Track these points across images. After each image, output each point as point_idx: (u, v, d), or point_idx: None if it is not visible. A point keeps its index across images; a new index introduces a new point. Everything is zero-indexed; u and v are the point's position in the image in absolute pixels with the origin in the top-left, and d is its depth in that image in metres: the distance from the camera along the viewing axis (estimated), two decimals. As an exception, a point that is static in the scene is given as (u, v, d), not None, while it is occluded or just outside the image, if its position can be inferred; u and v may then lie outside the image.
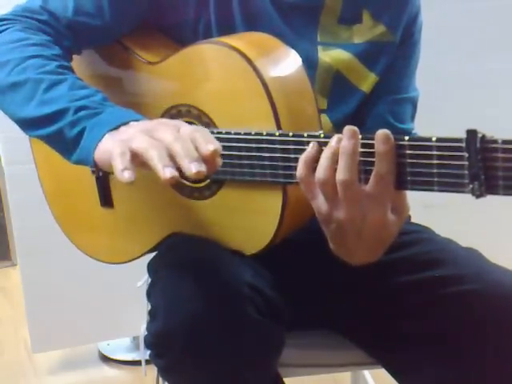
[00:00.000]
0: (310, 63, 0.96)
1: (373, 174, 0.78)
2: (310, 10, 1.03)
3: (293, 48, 0.96)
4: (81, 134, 0.85)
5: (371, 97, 1.07)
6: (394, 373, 0.99)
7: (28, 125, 0.93)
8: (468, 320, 0.91)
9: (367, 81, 1.05)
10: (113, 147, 0.78)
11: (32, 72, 0.91)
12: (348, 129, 0.78)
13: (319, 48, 1.03)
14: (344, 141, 0.78)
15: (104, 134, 0.82)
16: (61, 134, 0.87)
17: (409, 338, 0.95)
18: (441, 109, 1.79)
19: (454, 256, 0.98)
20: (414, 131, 1.12)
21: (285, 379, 1.01)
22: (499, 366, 0.90)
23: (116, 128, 0.82)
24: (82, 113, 0.86)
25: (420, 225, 1.09)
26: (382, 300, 0.98)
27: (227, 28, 1.01)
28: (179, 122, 0.81)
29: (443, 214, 1.75)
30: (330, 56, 1.03)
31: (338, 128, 1.03)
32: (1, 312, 2.37)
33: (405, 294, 0.97)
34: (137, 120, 0.84)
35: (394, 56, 1.07)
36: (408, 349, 0.96)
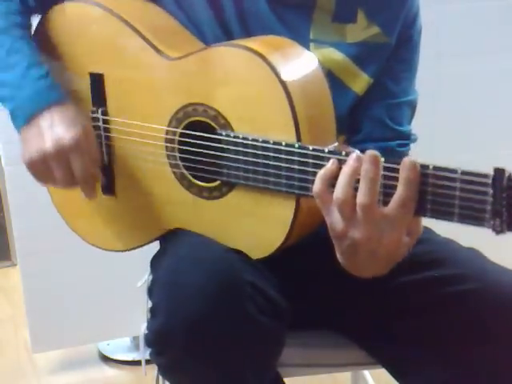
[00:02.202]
0: None
1: (394, 198, 0.78)
2: (303, 6, 1.03)
3: None
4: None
5: (368, 100, 1.07)
6: (394, 372, 1.00)
7: None
8: (468, 320, 0.91)
9: (360, 82, 1.05)
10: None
11: None
12: (370, 154, 0.78)
13: (311, 45, 1.03)
14: (366, 165, 0.78)
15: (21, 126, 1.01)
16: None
17: (409, 337, 0.96)
18: (440, 109, 1.79)
19: (455, 256, 0.98)
20: (412, 132, 1.12)
21: (285, 379, 1.01)
22: (499, 365, 0.90)
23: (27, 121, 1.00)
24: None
25: (420, 225, 1.09)
26: (383, 300, 0.98)
27: (220, 25, 1.01)
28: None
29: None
30: (322, 54, 1.02)
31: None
32: (1, 312, 2.36)
33: (405, 293, 0.97)
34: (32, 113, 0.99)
35: (392, 59, 1.06)
36: (408, 348, 0.96)
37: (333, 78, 1.03)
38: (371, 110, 1.08)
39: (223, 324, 0.82)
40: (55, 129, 0.98)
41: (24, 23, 1.07)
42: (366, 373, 1.38)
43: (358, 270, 0.87)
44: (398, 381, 1.00)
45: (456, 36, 1.86)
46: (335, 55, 1.03)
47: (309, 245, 1.01)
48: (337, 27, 1.03)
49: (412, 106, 1.12)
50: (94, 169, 1.02)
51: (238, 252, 0.93)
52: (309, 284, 1.05)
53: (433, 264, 0.97)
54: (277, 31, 0.98)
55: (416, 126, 1.13)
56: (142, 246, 1.09)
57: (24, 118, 1.00)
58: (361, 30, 1.03)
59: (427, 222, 1.09)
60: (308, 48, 1.02)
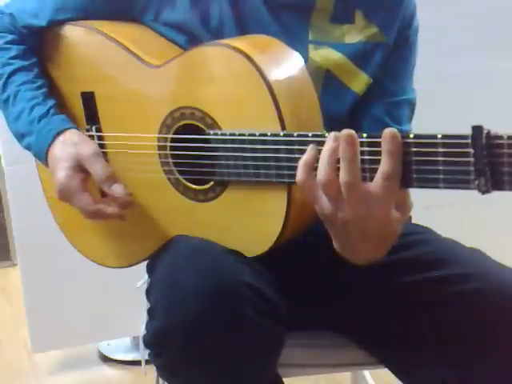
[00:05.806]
0: None
1: (378, 172, 0.78)
2: (301, 8, 1.03)
3: None
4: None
5: (368, 99, 1.07)
6: (396, 372, 0.99)
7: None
8: (471, 319, 0.91)
9: (359, 82, 1.05)
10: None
11: None
12: (346, 134, 0.78)
13: (310, 47, 1.03)
14: (343, 145, 0.78)
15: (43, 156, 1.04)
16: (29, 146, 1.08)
17: (411, 337, 0.95)
18: (440, 109, 1.79)
19: (457, 256, 0.98)
20: (412, 131, 1.12)
21: (285, 379, 1.01)
22: (500, 364, 0.89)
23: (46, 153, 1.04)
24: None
25: (421, 225, 1.09)
26: (385, 300, 0.98)
27: (218, 26, 1.01)
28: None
29: (443, 215, 1.75)
30: (320, 55, 1.03)
31: (332, 129, 1.03)
32: (1, 312, 2.37)
33: (407, 294, 0.97)
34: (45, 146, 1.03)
35: (390, 59, 1.06)
36: (410, 348, 0.96)
37: (332, 78, 1.03)
38: (371, 109, 1.08)
39: (221, 325, 0.82)
40: (60, 163, 1.01)
41: (23, 65, 1.09)
42: (366, 373, 1.38)
43: (354, 255, 0.87)
44: (399, 379, 1.00)
45: (456, 36, 1.86)
46: (334, 55, 1.03)
47: (308, 245, 1.01)
48: (335, 28, 1.03)
49: (411, 105, 1.12)
50: (106, 187, 1.01)
51: (236, 253, 0.93)
52: (308, 284, 1.05)
53: (435, 264, 0.97)
54: (275, 33, 0.98)
55: (416, 126, 1.13)
56: (145, 259, 1.10)
57: (42, 160, 1.05)
58: (359, 30, 1.04)
59: (427, 222, 1.10)
60: (306, 49, 1.02)
